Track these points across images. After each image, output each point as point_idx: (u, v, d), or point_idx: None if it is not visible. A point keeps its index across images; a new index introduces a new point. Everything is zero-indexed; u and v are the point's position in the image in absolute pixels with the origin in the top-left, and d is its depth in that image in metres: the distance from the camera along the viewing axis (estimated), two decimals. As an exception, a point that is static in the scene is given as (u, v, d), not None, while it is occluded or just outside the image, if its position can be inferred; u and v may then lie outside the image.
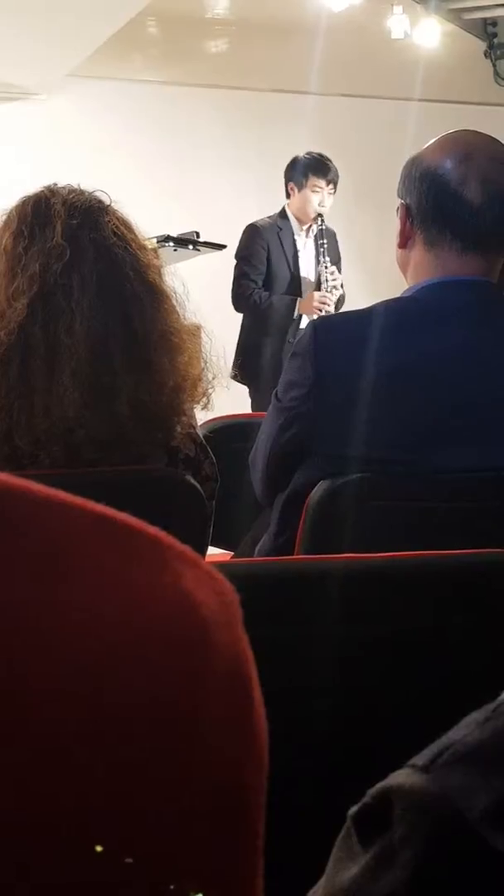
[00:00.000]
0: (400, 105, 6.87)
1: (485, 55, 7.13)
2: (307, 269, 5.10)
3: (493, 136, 1.91)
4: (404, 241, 1.90)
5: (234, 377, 5.00)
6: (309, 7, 6.08)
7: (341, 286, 5.05)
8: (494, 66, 7.17)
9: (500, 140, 1.91)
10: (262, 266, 5.02)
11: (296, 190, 5.03)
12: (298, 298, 4.99)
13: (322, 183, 4.98)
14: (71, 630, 0.42)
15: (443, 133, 1.91)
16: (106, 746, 0.42)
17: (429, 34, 6.55)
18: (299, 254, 5.09)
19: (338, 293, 5.00)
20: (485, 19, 6.98)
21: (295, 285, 5.06)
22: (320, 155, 5.04)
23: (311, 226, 5.05)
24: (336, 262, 5.10)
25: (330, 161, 5.03)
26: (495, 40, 7.07)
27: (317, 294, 4.96)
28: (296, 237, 5.09)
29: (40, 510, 0.44)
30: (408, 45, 6.51)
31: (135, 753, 0.42)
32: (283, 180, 5.19)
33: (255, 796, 0.45)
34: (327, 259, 5.02)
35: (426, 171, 1.85)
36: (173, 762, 0.43)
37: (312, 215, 5.02)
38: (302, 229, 5.09)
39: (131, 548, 0.45)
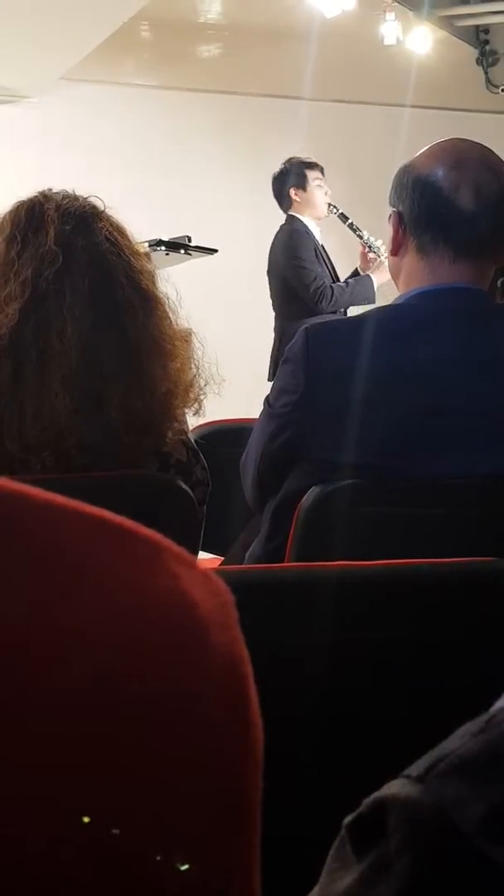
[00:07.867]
0: (392, 111, 6.89)
1: (477, 62, 7.14)
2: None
3: (485, 143, 1.92)
4: (396, 249, 1.91)
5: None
6: (301, 13, 6.08)
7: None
8: (486, 73, 7.18)
9: (492, 147, 1.92)
10: (319, 265, 5.18)
11: (301, 192, 5.20)
12: (369, 274, 5.14)
13: (320, 175, 5.18)
14: (69, 632, 0.42)
15: (435, 140, 1.92)
16: (104, 742, 0.42)
17: (421, 41, 6.55)
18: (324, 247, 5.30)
19: None
20: (477, 26, 6.98)
21: (331, 277, 5.23)
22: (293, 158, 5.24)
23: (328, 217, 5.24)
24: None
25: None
26: (487, 47, 7.07)
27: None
28: (317, 234, 5.27)
29: (38, 513, 0.45)
30: (400, 52, 6.52)
31: (132, 750, 0.42)
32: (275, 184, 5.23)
33: (251, 793, 0.46)
34: (365, 232, 5.18)
35: (418, 178, 1.86)
36: (170, 758, 0.43)
37: (324, 208, 5.22)
38: (317, 225, 5.27)
39: (128, 550, 0.45)
